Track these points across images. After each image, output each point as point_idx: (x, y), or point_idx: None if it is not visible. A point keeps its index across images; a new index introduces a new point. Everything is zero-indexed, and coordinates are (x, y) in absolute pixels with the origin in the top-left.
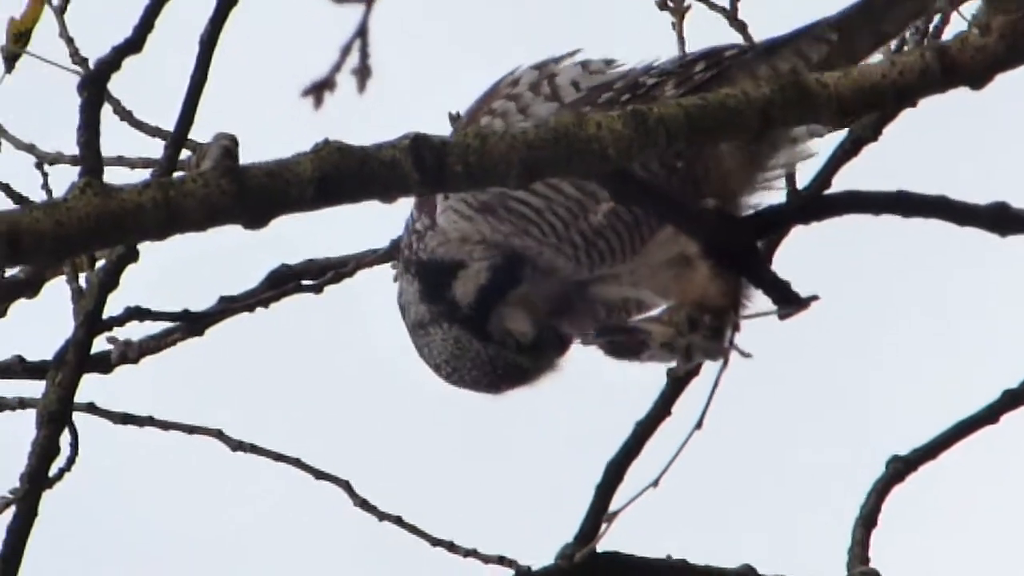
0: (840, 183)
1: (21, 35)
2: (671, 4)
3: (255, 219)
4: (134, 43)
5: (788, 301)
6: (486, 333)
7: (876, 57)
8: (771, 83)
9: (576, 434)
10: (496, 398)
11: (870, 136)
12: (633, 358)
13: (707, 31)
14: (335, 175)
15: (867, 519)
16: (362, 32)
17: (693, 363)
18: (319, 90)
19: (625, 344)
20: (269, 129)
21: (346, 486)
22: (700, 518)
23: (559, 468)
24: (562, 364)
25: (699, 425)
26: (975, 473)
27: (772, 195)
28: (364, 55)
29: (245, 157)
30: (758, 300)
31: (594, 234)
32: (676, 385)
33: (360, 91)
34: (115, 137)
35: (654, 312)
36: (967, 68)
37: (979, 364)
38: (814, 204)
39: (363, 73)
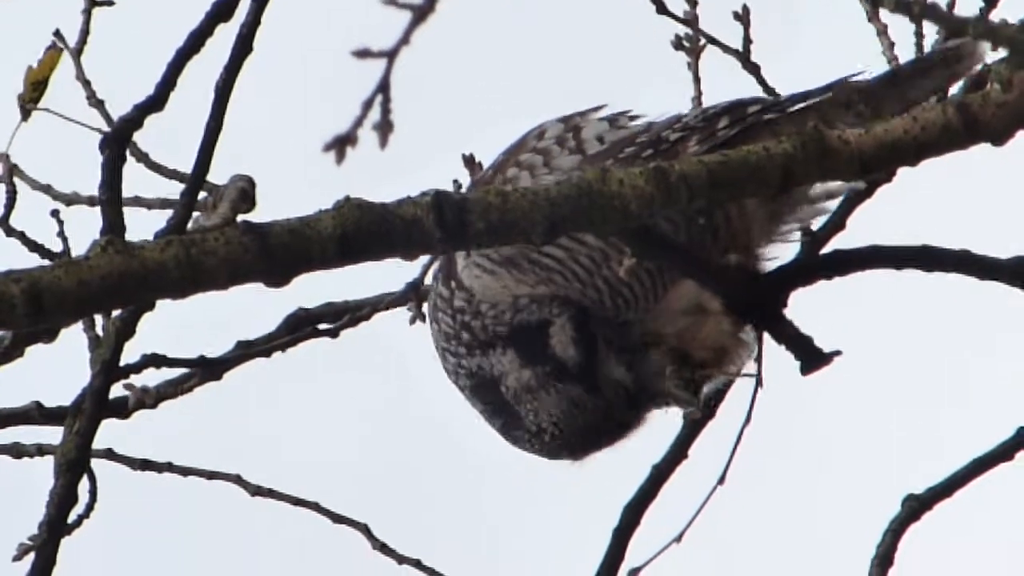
0: (854, 224)
1: (38, 84)
2: (686, 44)
3: (277, 277)
4: (156, 101)
5: (811, 357)
6: (598, 387)
7: None
8: (792, 139)
9: (592, 476)
10: (579, 463)
11: (884, 177)
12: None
13: (722, 70)
14: (356, 233)
15: (883, 558)
16: (384, 87)
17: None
18: (341, 145)
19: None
20: (289, 184)
21: (365, 530)
22: (716, 562)
23: (575, 511)
24: (648, 418)
25: (721, 480)
26: (991, 511)
27: (787, 246)
28: (386, 110)
29: (265, 211)
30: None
31: (617, 282)
32: (693, 428)
33: (382, 146)
34: (131, 176)
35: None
36: (989, 124)
37: (994, 402)
38: (837, 259)
39: (384, 128)
